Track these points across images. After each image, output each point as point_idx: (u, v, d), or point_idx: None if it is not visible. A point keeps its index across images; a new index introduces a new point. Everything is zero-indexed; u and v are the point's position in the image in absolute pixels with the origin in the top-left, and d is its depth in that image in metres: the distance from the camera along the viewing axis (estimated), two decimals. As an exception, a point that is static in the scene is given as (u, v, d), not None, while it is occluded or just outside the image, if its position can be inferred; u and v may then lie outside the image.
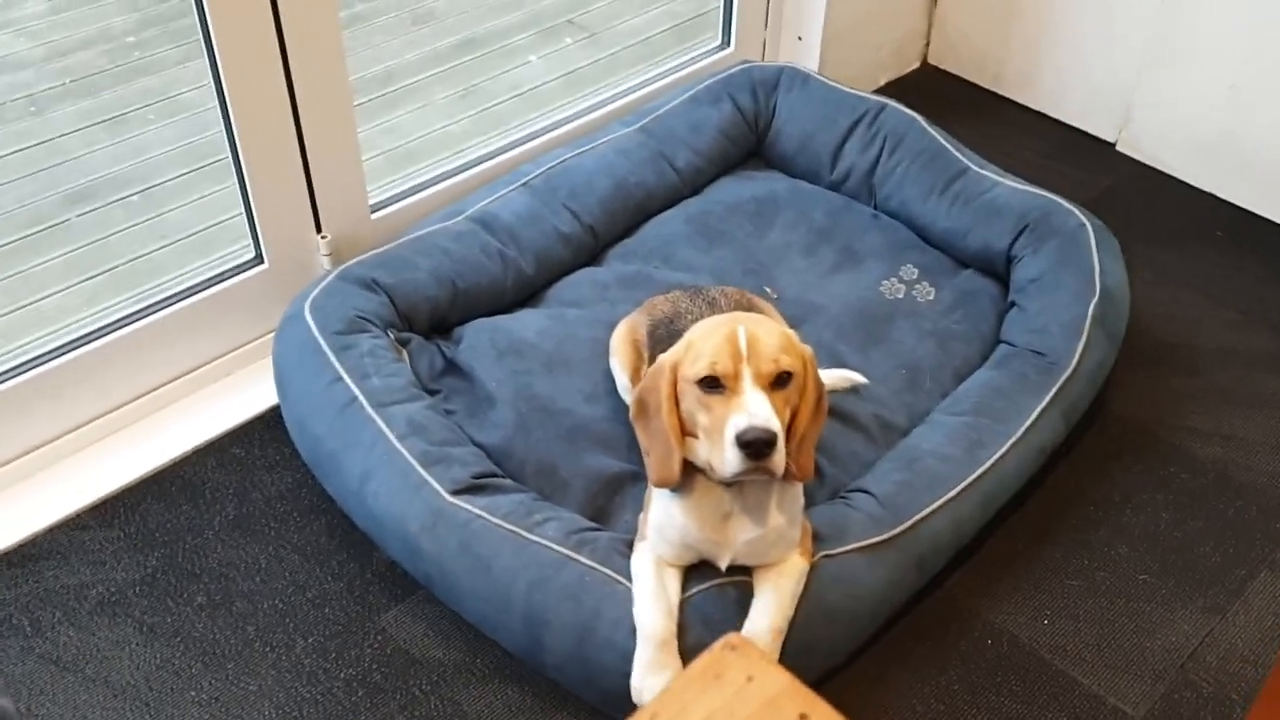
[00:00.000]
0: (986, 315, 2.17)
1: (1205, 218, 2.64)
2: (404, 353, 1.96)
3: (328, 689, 1.67)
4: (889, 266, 2.26)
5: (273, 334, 2.01)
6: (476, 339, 2.03)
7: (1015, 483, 1.89)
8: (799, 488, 1.57)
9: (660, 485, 1.51)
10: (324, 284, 1.99)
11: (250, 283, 2.11)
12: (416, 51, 3.33)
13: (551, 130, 2.51)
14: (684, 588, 1.59)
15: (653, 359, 1.74)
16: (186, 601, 1.78)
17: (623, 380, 1.90)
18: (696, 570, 1.60)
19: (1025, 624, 1.79)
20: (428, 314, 2.05)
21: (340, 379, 1.83)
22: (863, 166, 2.42)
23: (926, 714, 1.67)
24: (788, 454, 1.45)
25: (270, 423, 2.03)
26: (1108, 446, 2.08)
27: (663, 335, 1.76)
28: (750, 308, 1.82)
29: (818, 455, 1.66)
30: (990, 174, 2.32)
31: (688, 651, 1.53)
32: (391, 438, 1.75)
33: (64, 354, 1.95)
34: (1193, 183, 2.72)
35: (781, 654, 1.53)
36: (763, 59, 2.85)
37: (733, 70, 2.56)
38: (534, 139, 2.48)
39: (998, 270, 2.24)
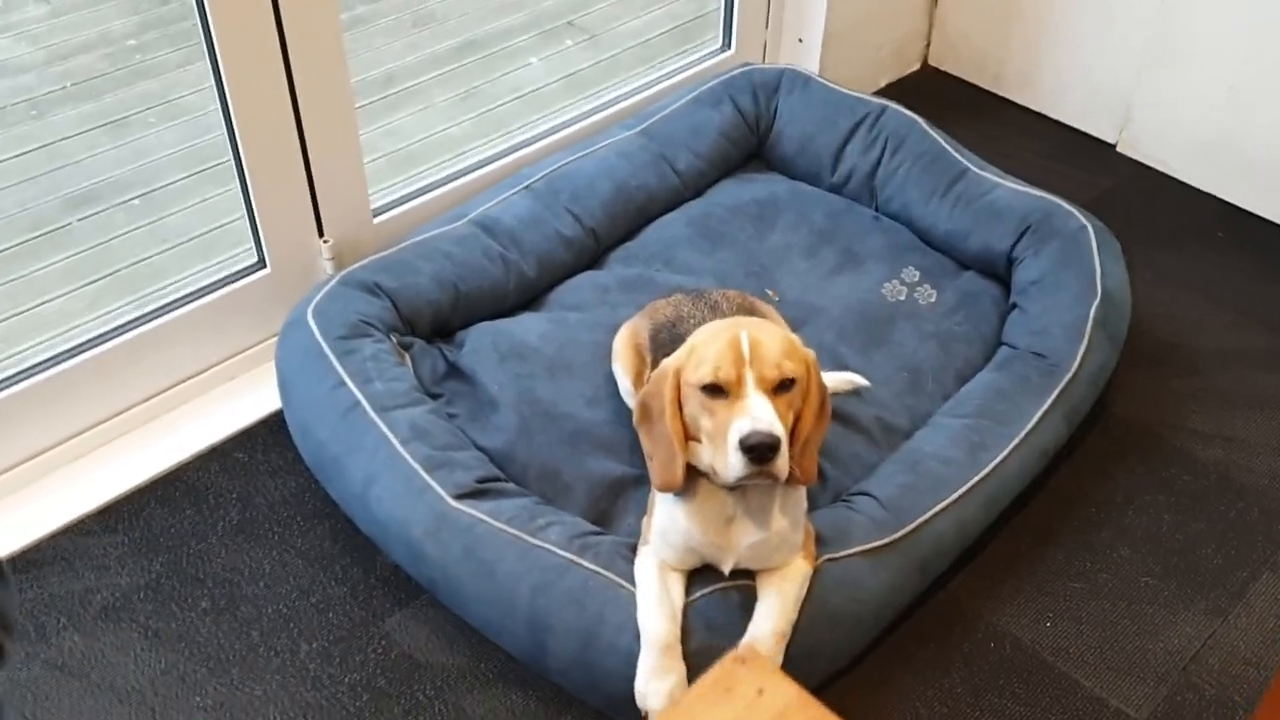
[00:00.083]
0: (988, 317, 2.17)
1: (1205, 218, 2.64)
2: (406, 357, 1.97)
3: (332, 694, 1.68)
4: (890, 268, 2.26)
5: (275, 338, 2.01)
6: (479, 342, 2.04)
7: (1018, 485, 1.89)
8: (802, 491, 1.58)
9: (664, 490, 1.51)
10: (326, 289, 1.99)
11: (253, 287, 2.11)
12: (417, 54, 3.34)
13: (553, 133, 2.52)
14: (687, 592, 1.59)
15: (655, 363, 1.74)
16: (191, 607, 1.78)
17: (625, 384, 1.90)
18: (700, 574, 1.61)
19: (1028, 626, 1.79)
20: (430, 318, 2.05)
21: (343, 384, 1.84)
22: (864, 168, 2.42)
23: (930, 717, 1.67)
24: (791, 458, 1.45)
25: (273, 427, 2.04)
26: (1110, 448, 2.08)
27: (665, 339, 1.76)
28: (752, 311, 1.82)
29: (820, 458, 1.66)
30: (991, 176, 2.32)
31: (691, 656, 1.54)
32: (395, 442, 1.76)
33: (67, 359, 1.95)
34: (1193, 183, 2.72)
35: (785, 658, 1.54)
36: (763, 61, 2.85)
37: (733, 73, 2.56)
38: (535, 142, 2.49)
39: (999, 272, 2.24)
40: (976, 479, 1.80)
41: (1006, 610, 1.81)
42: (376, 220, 2.24)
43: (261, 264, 2.12)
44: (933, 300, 2.19)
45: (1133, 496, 2.00)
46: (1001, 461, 1.84)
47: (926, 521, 1.73)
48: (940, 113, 2.55)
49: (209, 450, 2.01)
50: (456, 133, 3.05)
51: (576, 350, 2.03)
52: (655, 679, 1.51)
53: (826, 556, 1.64)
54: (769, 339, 1.44)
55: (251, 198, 2.03)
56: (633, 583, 1.59)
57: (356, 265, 2.05)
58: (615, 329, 1.96)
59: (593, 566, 1.62)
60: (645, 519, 1.64)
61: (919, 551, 1.72)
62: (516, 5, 3.55)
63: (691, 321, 1.75)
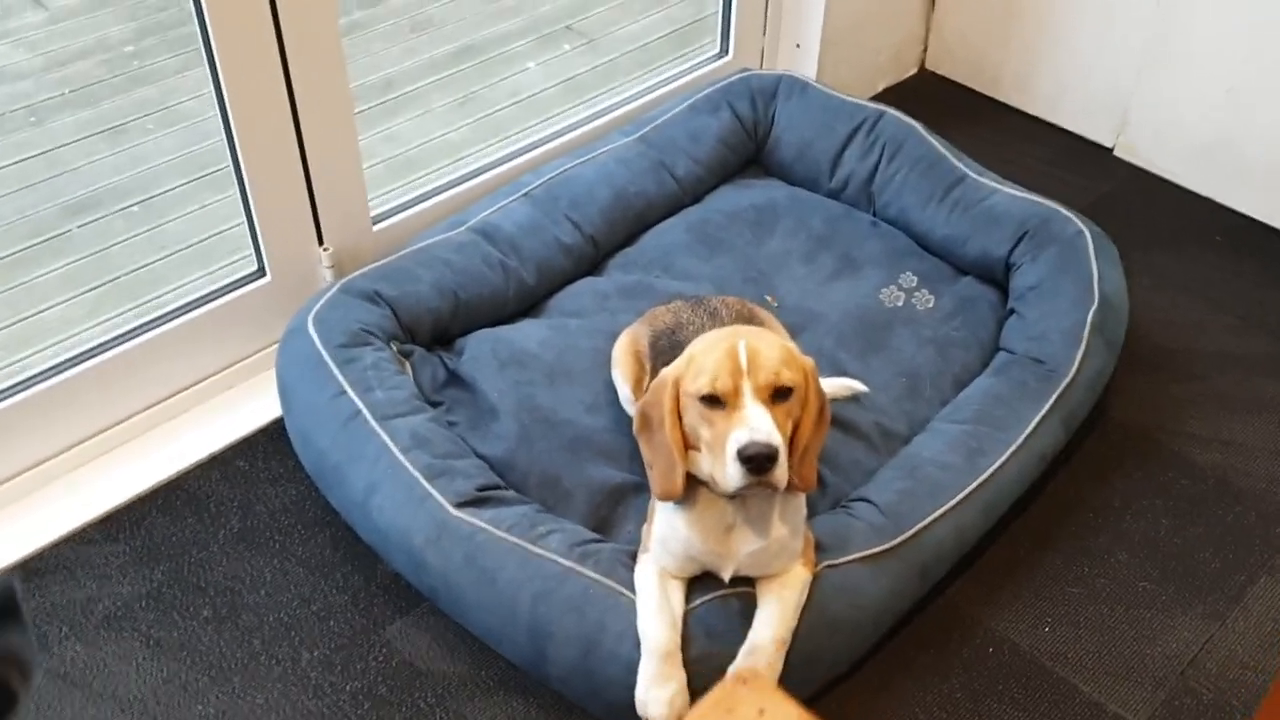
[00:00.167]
0: (986, 322, 2.18)
1: (1203, 222, 2.65)
2: (407, 365, 1.97)
3: (334, 702, 1.68)
4: (888, 274, 2.27)
5: (275, 346, 2.01)
6: (478, 350, 2.04)
7: (1016, 490, 1.90)
8: (802, 498, 1.58)
9: (663, 499, 1.52)
10: (327, 297, 1.99)
11: (253, 295, 2.12)
12: (415, 59, 3.34)
13: (552, 140, 2.52)
14: (688, 599, 1.60)
15: (655, 370, 1.75)
16: (192, 615, 1.79)
17: (625, 391, 1.90)
18: (700, 581, 1.61)
19: (1026, 631, 1.80)
20: (430, 325, 2.06)
21: (344, 392, 1.84)
22: (861, 174, 2.43)
23: (929, 722, 1.68)
24: (790, 466, 1.46)
25: (274, 435, 2.04)
26: (1108, 453, 2.09)
27: (664, 346, 1.77)
28: (751, 318, 1.83)
29: (819, 464, 1.67)
30: (989, 181, 2.33)
31: (692, 663, 1.54)
32: (396, 451, 1.76)
33: (68, 369, 1.96)
34: (1191, 187, 2.72)
35: (785, 665, 1.54)
36: (761, 67, 2.86)
37: (731, 79, 2.57)
38: (534, 149, 2.49)
39: (997, 277, 2.25)
40: (975, 485, 1.81)
41: (1005, 615, 1.82)
42: (376, 228, 2.24)
43: (261, 272, 2.12)
44: (931, 306, 2.20)
45: (1130, 501, 2.01)
46: (1000, 467, 1.84)
47: (925, 527, 1.74)
48: (938, 117, 2.56)
49: (210, 459, 2.02)
50: (455, 138, 3.06)
51: (576, 357, 2.03)
52: (656, 686, 1.52)
53: (826, 563, 1.64)
54: (767, 348, 1.45)
55: (251, 206, 2.04)
56: (633, 590, 1.60)
57: (356, 273, 2.06)
58: (615, 335, 1.96)
59: (593, 574, 1.62)
60: (645, 526, 1.65)
61: (918, 557, 1.73)
62: (514, 10, 3.56)
63: (691, 328, 1.76)
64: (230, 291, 2.10)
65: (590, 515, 1.81)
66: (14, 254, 2.64)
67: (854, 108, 2.48)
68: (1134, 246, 2.46)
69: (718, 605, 1.59)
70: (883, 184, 2.40)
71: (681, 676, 1.53)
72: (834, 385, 1.96)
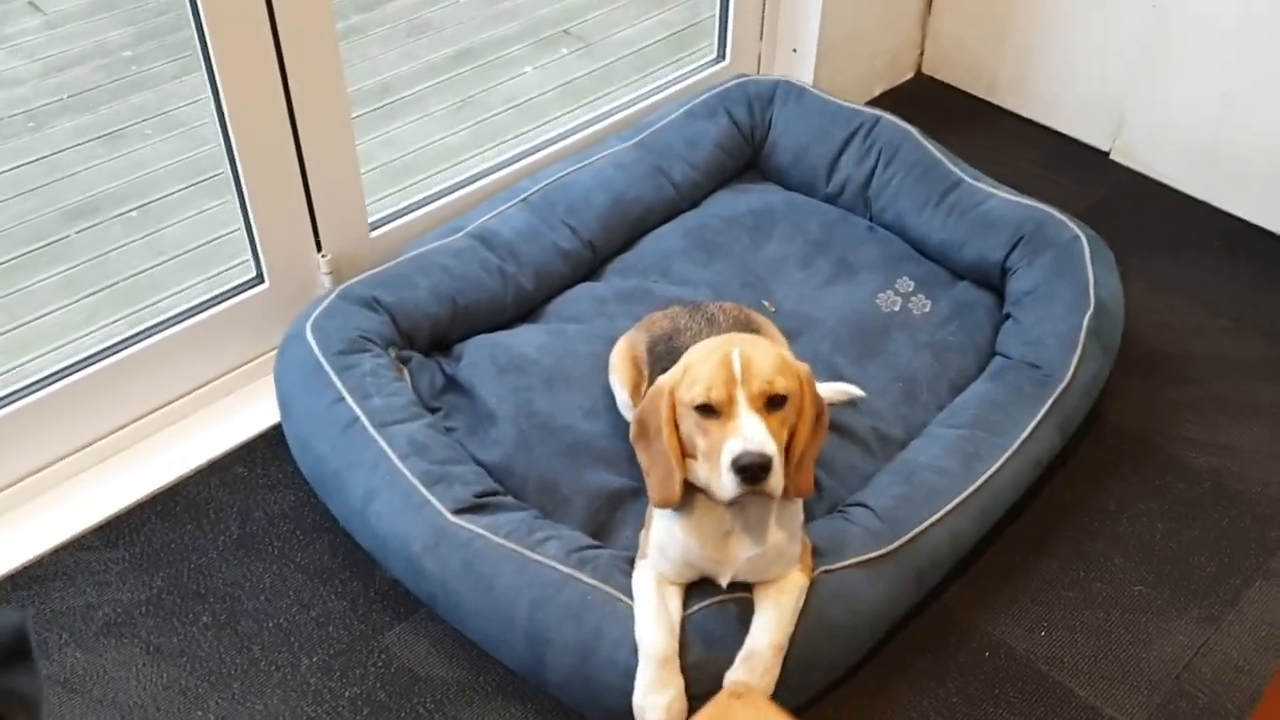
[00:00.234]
0: (982, 327, 2.18)
1: (1199, 226, 2.66)
2: (405, 371, 1.98)
3: (333, 708, 1.69)
4: (885, 279, 2.27)
5: (274, 352, 2.02)
6: (477, 356, 2.05)
7: (1012, 495, 1.90)
8: (799, 504, 1.59)
9: (661, 506, 1.53)
10: (325, 304, 2.00)
11: (251, 302, 2.12)
12: (413, 63, 3.35)
13: (549, 146, 2.53)
14: (685, 605, 1.60)
15: (653, 376, 1.76)
16: (192, 621, 1.79)
17: (623, 397, 1.91)
18: (697, 587, 1.62)
19: (1022, 636, 1.81)
20: (428, 331, 2.07)
21: (342, 399, 1.85)
22: (858, 179, 2.43)
23: (926, 727, 1.69)
24: (786, 473, 1.46)
25: (272, 441, 2.05)
26: (1103, 457, 2.10)
27: (662, 352, 1.77)
28: (748, 323, 1.84)
29: (816, 469, 1.67)
30: (985, 186, 2.33)
31: (690, 669, 1.55)
32: (394, 458, 1.77)
33: (67, 376, 1.96)
34: (1186, 191, 2.73)
35: (782, 670, 1.55)
36: (758, 72, 2.87)
37: (728, 84, 2.57)
38: (532, 154, 2.50)
39: (993, 282, 2.26)
40: (971, 490, 1.82)
41: (1001, 620, 1.83)
42: (374, 234, 2.25)
43: (260, 279, 2.13)
44: (927, 310, 2.21)
45: (1126, 505, 2.02)
46: (995, 472, 1.85)
47: (922, 532, 1.75)
48: (934, 121, 2.56)
49: (209, 465, 2.02)
50: (453, 142, 3.06)
51: (574, 362, 2.04)
52: (653, 692, 1.53)
53: (823, 568, 1.65)
54: (760, 357, 1.45)
55: (249, 212, 2.04)
56: (631, 596, 1.60)
57: (355, 280, 2.06)
58: (613, 340, 1.97)
59: (591, 581, 1.63)
60: (643, 532, 1.65)
61: (914, 562, 1.74)
62: (512, 13, 3.56)
63: (688, 334, 1.76)
64: (229, 298, 2.11)
65: (588, 521, 1.81)
66: (12, 259, 2.64)
67: (850, 113, 2.49)
68: (1130, 250, 2.47)
69: (715, 611, 1.60)
70: (879, 189, 2.41)
71: (679, 682, 1.53)
72: (831, 390, 1.97)
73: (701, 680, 1.55)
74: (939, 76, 3.11)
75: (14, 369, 2.33)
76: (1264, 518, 2.00)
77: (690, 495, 1.52)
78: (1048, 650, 1.79)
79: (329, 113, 2.05)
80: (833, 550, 1.68)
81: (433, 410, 1.95)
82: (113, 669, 1.73)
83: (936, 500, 1.79)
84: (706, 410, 1.44)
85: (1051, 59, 2.86)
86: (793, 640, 1.57)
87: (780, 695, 1.54)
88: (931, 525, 1.76)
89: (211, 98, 1.94)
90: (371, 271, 2.09)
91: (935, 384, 2.06)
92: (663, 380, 1.51)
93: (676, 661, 1.55)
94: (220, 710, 1.68)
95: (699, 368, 1.46)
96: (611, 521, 1.83)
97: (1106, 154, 2.85)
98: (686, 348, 1.57)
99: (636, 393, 1.86)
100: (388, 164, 2.96)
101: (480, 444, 1.91)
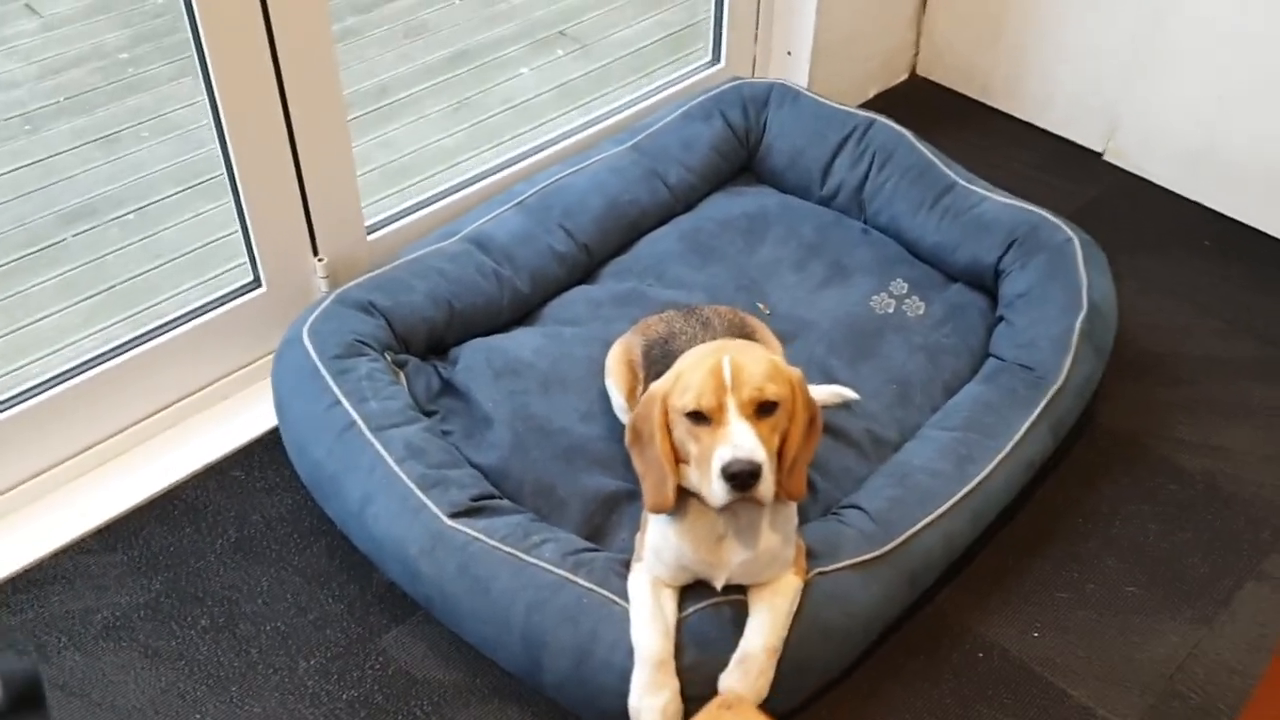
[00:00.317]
0: (976, 329, 2.19)
1: (1192, 227, 2.67)
2: (401, 375, 1.99)
3: (330, 710, 1.70)
4: (879, 281, 2.28)
5: (271, 356, 2.03)
6: (473, 359, 2.06)
7: (1005, 497, 1.91)
8: (792, 507, 1.60)
9: (655, 511, 1.54)
10: (321, 308, 2.01)
11: (249, 306, 2.13)
12: (409, 65, 3.35)
13: (545, 149, 2.53)
14: (680, 607, 1.61)
15: (648, 379, 1.77)
16: (190, 625, 1.80)
17: (618, 400, 1.92)
18: (692, 590, 1.63)
19: (1016, 637, 1.82)
20: (424, 335, 2.08)
21: (339, 403, 1.86)
22: (852, 182, 2.44)
23: (919, 728, 1.70)
24: (779, 478, 1.47)
25: (269, 445, 2.06)
26: (1096, 459, 2.11)
27: (657, 355, 1.78)
28: (743, 327, 1.85)
29: (810, 471, 1.69)
30: (979, 188, 2.34)
31: (684, 671, 1.56)
32: (390, 462, 1.78)
33: (65, 380, 1.97)
34: (1180, 192, 2.74)
35: (776, 672, 1.56)
36: (753, 74, 2.88)
37: (723, 87, 2.58)
38: (527, 158, 2.51)
39: (987, 284, 2.27)
40: (964, 492, 1.83)
41: (994, 621, 1.84)
42: (370, 238, 2.26)
43: (257, 283, 2.14)
44: (921, 312, 2.22)
45: (1119, 507, 2.03)
46: (988, 474, 1.86)
47: (915, 534, 1.76)
48: (928, 122, 2.57)
49: (206, 469, 2.03)
50: (449, 144, 3.07)
51: (570, 365, 2.05)
52: (649, 695, 1.54)
53: (817, 570, 1.66)
54: (751, 363, 1.46)
55: (246, 216, 2.05)
56: (626, 599, 1.61)
57: (351, 284, 2.07)
58: (609, 343, 1.98)
59: (586, 584, 1.64)
60: (638, 535, 1.66)
61: (908, 564, 1.75)
62: (508, 15, 3.57)
63: (683, 338, 1.77)
64: (226, 302, 2.12)
65: (584, 523, 1.82)
66: (9, 263, 2.65)
67: (845, 116, 2.50)
68: (1122, 251, 2.48)
69: (710, 613, 1.61)
70: (873, 191, 2.42)
71: (674, 685, 1.54)
72: (825, 393, 1.98)
73: (696, 682, 1.56)
74: (933, 78, 3.12)
75: (11, 372, 2.33)
76: (1256, 519, 2.01)
77: (684, 499, 1.53)
78: (1041, 651, 1.80)
79: (325, 116, 2.06)
80: (827, 552, 1.69)
81: (429, 414, 1.95)
82: (111, 672, 1.74)
83: (930, 502, 1.80)
84: (697, 417, 1.45)
85: (1045, 61, 2.87)
86: (787, 642, 1.58)
87: (774, 697, 1.55)
88: (925, 527, 1.77)
89: (207, 101, 1.94)
90: (367, 275, 2.10)
91: (929, 386, 2.07)
92: (656, 387, 1.52)
93: (672, 664, 1.56)
94: (218, 713, 1.69)
95: (690, 375, 1.47)
96: (607, 524, 1.84)
97: (1100, 155, 2.86)
98: (681, 351, 1.58)
99: (632, 396, 1.87)
100: (384, 166, 2.97)
101: (476, 447, 1.92)
